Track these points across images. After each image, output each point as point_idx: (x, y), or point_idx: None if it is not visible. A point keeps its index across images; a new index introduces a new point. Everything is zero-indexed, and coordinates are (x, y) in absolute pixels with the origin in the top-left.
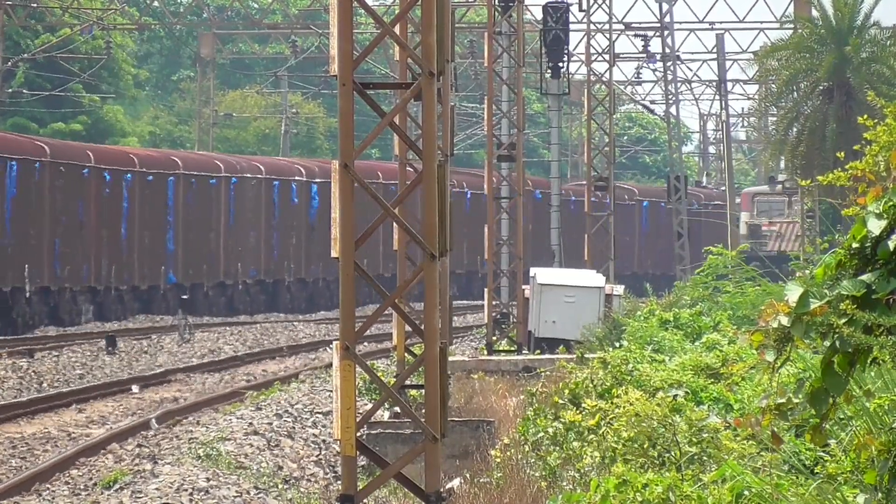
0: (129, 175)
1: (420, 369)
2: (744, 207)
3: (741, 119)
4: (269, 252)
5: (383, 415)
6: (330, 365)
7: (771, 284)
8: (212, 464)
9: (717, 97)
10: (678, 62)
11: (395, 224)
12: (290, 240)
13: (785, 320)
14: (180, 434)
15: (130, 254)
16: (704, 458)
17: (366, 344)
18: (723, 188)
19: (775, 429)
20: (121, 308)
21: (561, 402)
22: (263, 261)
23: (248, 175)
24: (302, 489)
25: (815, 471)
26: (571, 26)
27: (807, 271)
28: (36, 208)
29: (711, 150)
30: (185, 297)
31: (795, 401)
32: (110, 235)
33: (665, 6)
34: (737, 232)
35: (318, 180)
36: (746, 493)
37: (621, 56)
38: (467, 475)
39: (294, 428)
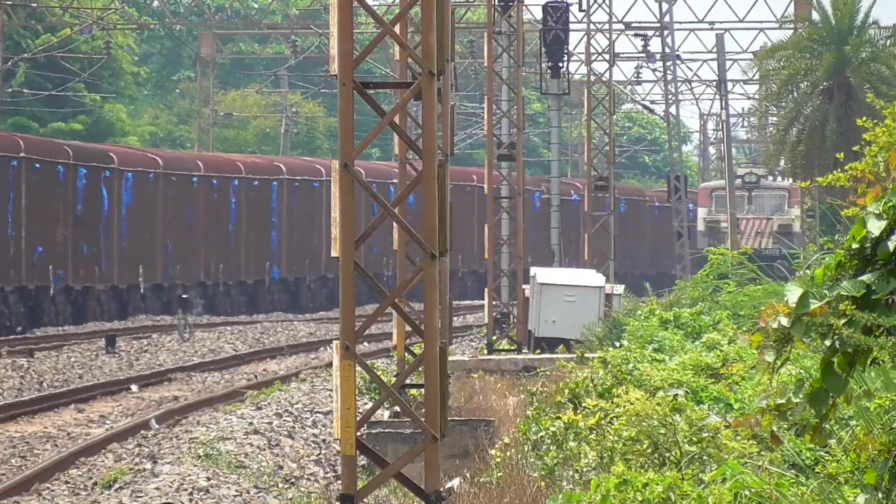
0: (235, 181)
1: (420, 369)
2: (701, 203)
3: (741, 119)
4: (370, 248)
5: (383, 414)
6: (330, 364)
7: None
8: (212, 463)
9: (717, 97)
10: (678, 62)
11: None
12: (388, 237)
13: (785, 321)
14: (180, 433)
15: (237, 252)
16: (704, 457)
17: (366, 343)
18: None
19: (775, 429)
20: (228, 301)
21: (563, 401)
22: (364, 256)
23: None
24: (302, 488)
25: (816, 470)
26: (571, 26)
27: (808, 271)
28: (149, 214)
29: (711, 150)
30: (184, 296)
31: (795, 401)
32: (218, 236)
33: (665, 6)
34: (737, 233)
35: None
36: (746, 492)
37: (621, 56)
38: (467, 475)
39: (294, 427)
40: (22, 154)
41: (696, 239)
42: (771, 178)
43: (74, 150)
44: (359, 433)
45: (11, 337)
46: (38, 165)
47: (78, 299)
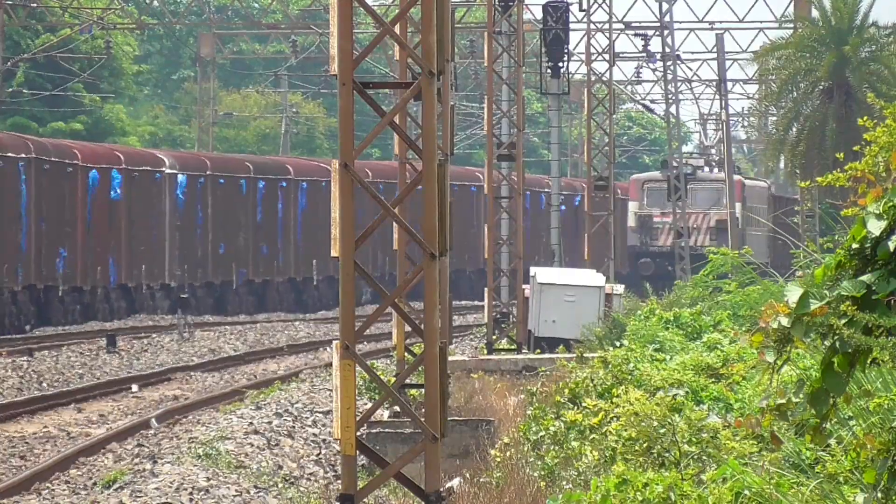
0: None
1: (420, 368)
2: (632, 196)
3: (741, 119)
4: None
5: (383, 414)
6: (330, 364)
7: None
8: (212, 463)
9: (717, 97)
10: (678, 62)
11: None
12: (544, 237)
13: (785, 321)
14: (180, 433)
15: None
16: (704, 457)
17: (366, 343)
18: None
19: (775, 429)
20: (395, 289)
21: (562, 401)
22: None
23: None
24: (302, 488)
25: (816, 470)
26: (571, 26)
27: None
28: (322, 217)
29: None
30: (184, 296)
31: (795, 401)
32: (383, 233)
33: (665, 6)
34: (738, 235)
35: (537, 190)
36: (746, 492)
37: (621, 55)
38: (467, 475)
39: (294, 427)
40: (208, 172)
41: (626, 235)
42: (708, 168)
43: (254, 164)
44: (359, 433)
45: (11, 336)
46: (222, 181)
47: (258, 291)
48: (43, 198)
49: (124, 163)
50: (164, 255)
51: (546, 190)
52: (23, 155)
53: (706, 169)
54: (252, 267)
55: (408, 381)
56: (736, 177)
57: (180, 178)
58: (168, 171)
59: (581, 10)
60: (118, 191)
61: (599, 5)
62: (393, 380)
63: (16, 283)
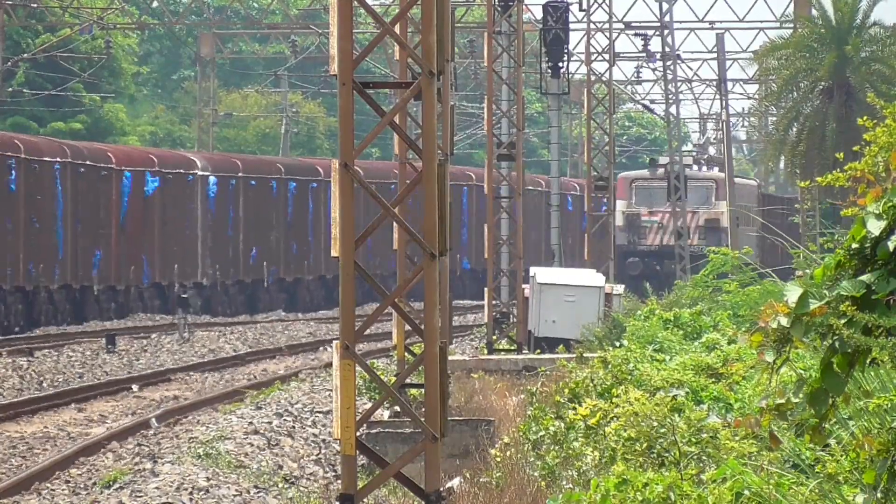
0: None
1: (420, 368)
2: (620, 195)
3: (741, 119)
4: (549, 247)
5: (383, 414)
6: (330, 364)
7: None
8: (212, 463)
9: (717, 97)
10: (678, 62)
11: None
12: (567, 239)
13: (784, 321)
14: (180, 433)
15: None
16: (704, 457)
17: (366, 343)
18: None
19: (774, 429)
20: (420, 287)
21: (562, 400)
22: (543, 252)
23: (531, 188)
24: (302, 488)
25: (816, 470)
26: (571, 25)
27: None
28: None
29: (711, 150)
30: (184, 295)
31: (795, 401)
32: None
33: (665, 5)
34: (737, 235)
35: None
36: (746, 492)
37: (621, 55)
38: (467, 475)
39: (294, 427)
40: (240, 174)
41: (614, 234)
42: (696, 166)
43: (285, 166)
44: (358, 433)
45: (11, 336)
46: (253, 182)
47: (289, 289)
48: (78, 200)
49: (157, 165)
50: (197, 255)
51: (572, 192)
52: (58, 159)
53: (695, 167)
54: (283, 265)
55: (408, 380)
56: (723, 175)
57: (212, 179)
58: (200, 172)
59: (581, 10)
60: (151, 193)
61: (599, 5)
62: (393, 380)
63: (52, 282)
